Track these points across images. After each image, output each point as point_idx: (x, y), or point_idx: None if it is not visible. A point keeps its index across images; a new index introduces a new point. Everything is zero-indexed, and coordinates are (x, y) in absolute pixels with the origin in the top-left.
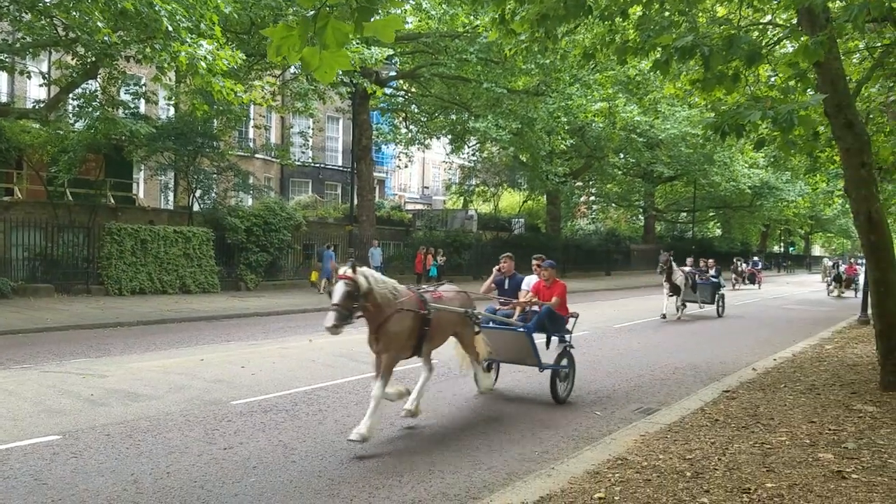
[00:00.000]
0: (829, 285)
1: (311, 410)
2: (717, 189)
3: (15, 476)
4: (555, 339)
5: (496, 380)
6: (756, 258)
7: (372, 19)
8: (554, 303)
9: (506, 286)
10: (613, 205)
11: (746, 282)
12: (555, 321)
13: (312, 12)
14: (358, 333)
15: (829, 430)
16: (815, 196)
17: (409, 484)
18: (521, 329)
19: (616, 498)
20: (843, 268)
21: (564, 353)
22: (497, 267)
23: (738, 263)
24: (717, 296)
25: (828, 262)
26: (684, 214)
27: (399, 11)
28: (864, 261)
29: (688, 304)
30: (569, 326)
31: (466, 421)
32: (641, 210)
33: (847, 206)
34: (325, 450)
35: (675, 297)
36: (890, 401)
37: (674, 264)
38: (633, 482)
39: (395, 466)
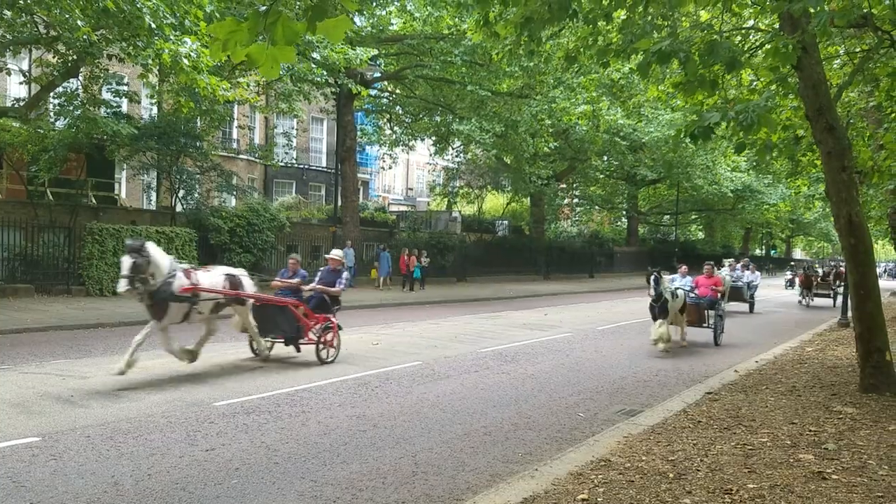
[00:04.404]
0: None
1: (294, 412)
2: (699, 192)
3: None
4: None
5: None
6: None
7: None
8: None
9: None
10: (597, 207)
11: None
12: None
13: (264, 8)
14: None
15: (810, 431)
16: (796, 200)
17: (393, 486)
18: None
19: (599, 499)
20: (680, 282)
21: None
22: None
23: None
24: None
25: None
26: (667, 217)
27: (352, 14)
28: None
29: None
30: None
31: (449, 423)
32: (625, 212)
33: (827, 209)
34: (307, 451)
35: None
36: (869, 402)
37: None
38: (617, 483)
39: (379, 468)
